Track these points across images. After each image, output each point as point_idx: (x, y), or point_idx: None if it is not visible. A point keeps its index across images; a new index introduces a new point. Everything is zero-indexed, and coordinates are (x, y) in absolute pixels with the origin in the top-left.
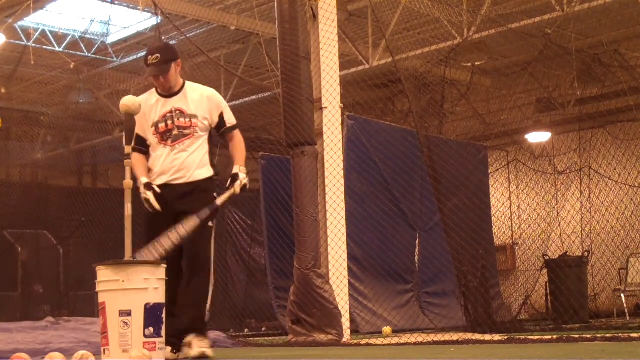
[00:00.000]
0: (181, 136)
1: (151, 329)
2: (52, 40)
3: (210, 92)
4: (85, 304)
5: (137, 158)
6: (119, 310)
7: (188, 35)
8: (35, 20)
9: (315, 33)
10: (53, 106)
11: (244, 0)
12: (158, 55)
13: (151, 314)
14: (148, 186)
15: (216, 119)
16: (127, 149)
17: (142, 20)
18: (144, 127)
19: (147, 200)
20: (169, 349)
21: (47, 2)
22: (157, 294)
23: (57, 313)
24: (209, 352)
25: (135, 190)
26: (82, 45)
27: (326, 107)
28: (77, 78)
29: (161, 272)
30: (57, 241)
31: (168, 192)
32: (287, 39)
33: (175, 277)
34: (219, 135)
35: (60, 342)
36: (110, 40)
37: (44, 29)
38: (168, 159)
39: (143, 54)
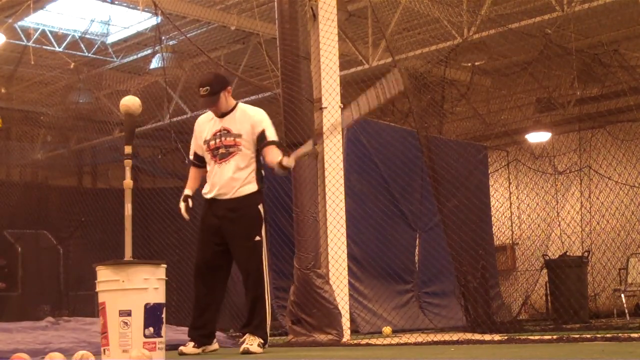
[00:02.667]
0: (227, 154)
1: (151, 329)
2: (52, 40)
3: (255, 112)
4: (85, 304)
5: (191, 171)
6: (119, 310)
7: (188, 35)
8: (35, 20)
9: (315, 33)
10: (53, 106)
11: (244, 0)
12: (208, 87)
13: (151, 314)
14: (185, 198)
15: (257, 134)
16: (127, 149)
17: (142, 20)
18: (199, 144)
19: (181, 210)
20: (191, 343)
21: (47, 2)
22: (157, 294)
23: (57, 313)
24: (252, 348)
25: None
26: (82, 45)
27: (326, 107)
28: (77, 78)
29: (161, 272)
30: (57, 241)
31: (216, 206)
32: (287, 39)
33: (208, 286)
34: (259, 149)
35: (60, 342)
36: (110, 40)
37: (44, 29)
38: (217, 175)
39: (143, 54)
